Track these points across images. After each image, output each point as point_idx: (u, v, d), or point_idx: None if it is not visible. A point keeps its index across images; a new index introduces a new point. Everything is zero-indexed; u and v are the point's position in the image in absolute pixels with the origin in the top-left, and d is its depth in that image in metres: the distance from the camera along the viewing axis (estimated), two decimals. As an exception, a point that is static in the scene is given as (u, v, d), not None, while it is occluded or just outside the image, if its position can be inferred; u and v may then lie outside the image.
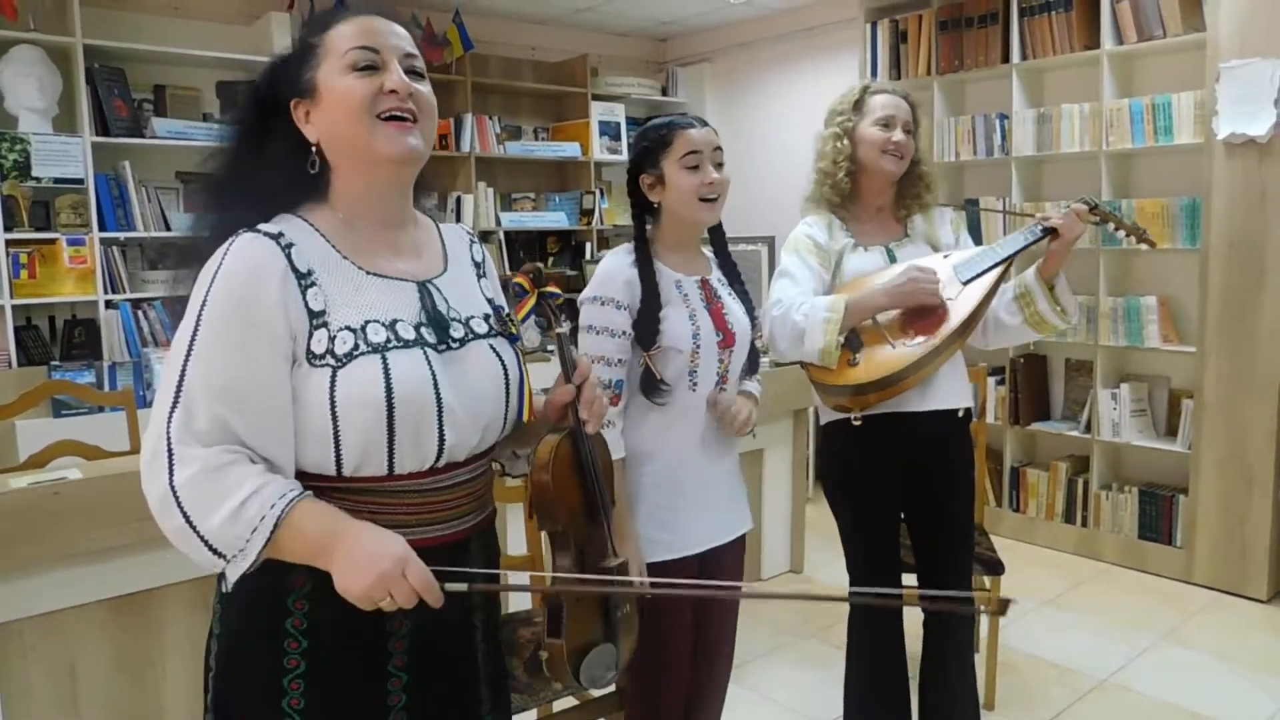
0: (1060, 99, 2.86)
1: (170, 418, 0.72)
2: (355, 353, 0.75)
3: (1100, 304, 2.76)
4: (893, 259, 1.49)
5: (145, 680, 1.52)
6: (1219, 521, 2.54)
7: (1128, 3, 2.64)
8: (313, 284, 0.75)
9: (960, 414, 1.50)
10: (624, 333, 1.20)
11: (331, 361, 0.74)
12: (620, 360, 1.21)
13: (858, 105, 1.49)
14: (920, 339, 1.40)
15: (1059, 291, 1.46)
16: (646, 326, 1.19)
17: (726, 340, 1.26)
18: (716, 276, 1.32)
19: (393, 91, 0.76)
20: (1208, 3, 2.49)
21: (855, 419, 1.43)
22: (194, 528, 0.70)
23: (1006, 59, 2.92)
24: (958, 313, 1.41)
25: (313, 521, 0.72)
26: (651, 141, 1.25)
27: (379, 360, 0.75)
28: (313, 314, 0.74)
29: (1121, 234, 1.53)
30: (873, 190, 1.51)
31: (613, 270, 1.22)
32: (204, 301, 0.73)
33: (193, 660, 1.55)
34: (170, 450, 0.71)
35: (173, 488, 0.70)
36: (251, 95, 0.82)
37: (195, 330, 0.73)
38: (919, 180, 1.52)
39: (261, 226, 0.76)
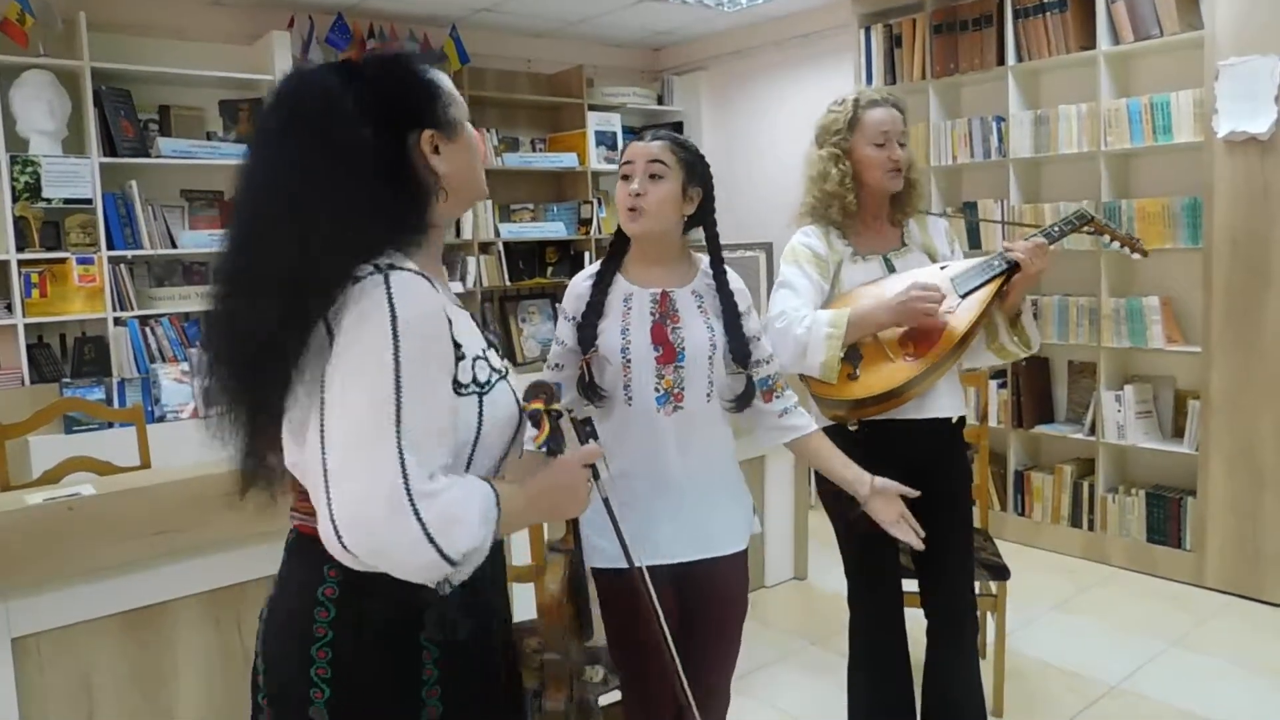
0: (1057, 100, 2.86)
1: (403, 470, 0.71)
2: (493, 379, 0.82)
3: (1102, 305, 2.75)
4: (891, 268, 1.49)
5: (159, 694, 1.54)
6: (1229, 524, 2.51)
7: (1123, 2, 2.64)
8: (449, 318, 0.80)
9: (955, 421, 1.51)
10: (563, 342, 1.29)
11: (476, 389, 0.80)
12: (558, 364, 1.29)
13: (852, 123, 1.48)
14: (919, 355, 1.41)
15: (1024, 322, 1.47)
16: (584, 333, 1.26)
17: (666, 356, 1.22)
18: (691, 290, 1.28)
19: None
20: (1204, 0, 2.49)
21: (851, 426, 1.44)
22: (446, 558, 0.72)
23: (1002, 61, 2.92)
24: (956, 328, 1.41)
25: (511, 503, 0.79)
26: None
27: (507, 384, 0.84)
28: (456, 345, 0.79)
29: (1116, 244, 1.53)
30: (873, 203, 1.52)
31: (572, 284, 1.32)
32: (397, 347, 0.73)
33: (205, 672, 1.56)
34: (412, 501, 0.71)
35: (428, 535, 0.71)
36: (370, 109, 0.77)
37: (398, 377, 0.72)
38: (912, 188, 1.53)
39: (404, 265, 0.76)
